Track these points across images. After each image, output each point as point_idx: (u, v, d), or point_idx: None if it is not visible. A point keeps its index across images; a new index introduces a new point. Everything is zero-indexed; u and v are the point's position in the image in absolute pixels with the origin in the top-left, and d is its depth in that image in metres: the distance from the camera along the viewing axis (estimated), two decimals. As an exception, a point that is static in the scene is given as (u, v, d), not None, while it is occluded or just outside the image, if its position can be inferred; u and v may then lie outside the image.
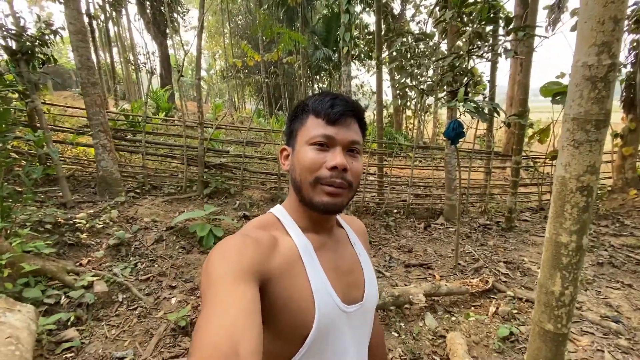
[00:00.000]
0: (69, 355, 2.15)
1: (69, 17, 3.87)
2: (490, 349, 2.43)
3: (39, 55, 4.13)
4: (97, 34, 14.98)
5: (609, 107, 1.15)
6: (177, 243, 3.55)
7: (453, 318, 2.86)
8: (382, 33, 7.75)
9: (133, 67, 16.77)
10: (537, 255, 4.11)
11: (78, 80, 4.32)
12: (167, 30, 15.61)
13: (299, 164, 0.61)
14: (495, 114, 2.60)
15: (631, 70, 5.32)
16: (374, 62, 15.52)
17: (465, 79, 2.39)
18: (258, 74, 18.36)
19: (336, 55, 15.55)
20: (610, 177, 6.19)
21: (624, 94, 5.50)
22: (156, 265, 3.20)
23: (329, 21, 14.75)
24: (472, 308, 3.02)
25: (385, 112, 17.28)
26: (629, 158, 5.66)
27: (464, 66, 2.65)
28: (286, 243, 0.59)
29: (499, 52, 2.77)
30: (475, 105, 2.24)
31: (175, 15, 17.08)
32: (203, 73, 38.55)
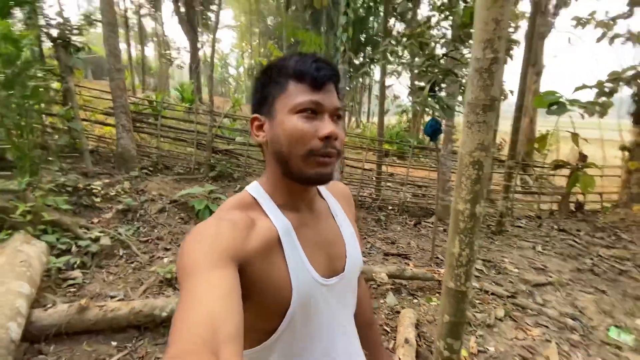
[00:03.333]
0: (72, 289, 2.57)
1: (102, 9, 4.40)
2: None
3: (75, 43, 4.71)
4: (135, 28, 16.11)
5: (494, 94, 1.38)
6: (177, 214, 3.97)
7: (415, 300, 3.06)
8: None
9: (165, 60, 17.78)
10: (519, 258, 4.20)
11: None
12: (200, 28, 16.47)
13: (287, 136, 0.56)
14: (456, 112, 2.78)
15: (641, 83, 5.24)
16: (396, 66, 15.63)
17: (437, 78, 2.59)
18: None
19: (360, 58, 15.83)
20: (616, 193, 6.07)
21: (633, 108, 5.42)
22: (156, 231, 3.61)
23: (353, 25, 15.00)
24: (437, 295, 3.20)
25: (405, 117, 17.34)
26: (635, 172, 5.54)
27: (444, 68, 2.86)
28: (263, 224, 0.57)
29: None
30: (438, 102, 2.44)
31: (208, 13, 17.98)
32: (232, 70, 39.97)
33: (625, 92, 5.77)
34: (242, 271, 0.50)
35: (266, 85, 0.60)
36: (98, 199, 3.78)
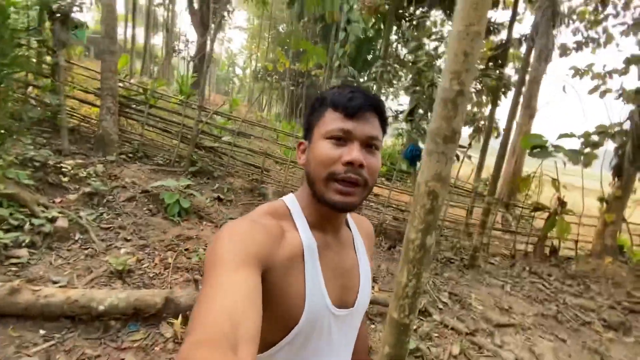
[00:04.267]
0: (14, 268, 2.44)
1: (103, -10, 4.37)
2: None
3: (74, 19, 4.65)
4: (150, 18, 16.14)
5: (456, 126, 1.36)
6: (146, 205, 3.85)
7: (372, 326, 2.98)
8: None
9: (170, 50, 17.78)
10: (487, 295, 4.16)
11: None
12: (211, 25, 16.55)
13: (314, 158, 0.60)
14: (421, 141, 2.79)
15: (624, 138, 5.37)
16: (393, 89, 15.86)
17: (419, 104, 2.61)
18: (287, 81, 19.08)
19: (365, 76, 16.04)
20: (591, 242, 6.13)
21: (615, 161, 5.54)
22: (120, 219, 3.49)
23: (360, 43, 15.25)
24: (397, 322, 3.13)
25: (400, 140, 17.51)
26: (610, 225, 5.62)
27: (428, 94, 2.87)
28: (292, 237, 0.59)
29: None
30: (415, 128, 2.45)
31: (222, 12, 18.12)
32: (238, 71, 40.18)
33: (610, 146, 5.92)
34: (263, 278, 0.51)
35: (311, 114, 0.65)
36: (66, 179, 3.65)
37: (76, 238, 3.00)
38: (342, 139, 0.59)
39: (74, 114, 5.50)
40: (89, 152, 4.68)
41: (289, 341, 0.58)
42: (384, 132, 0.66)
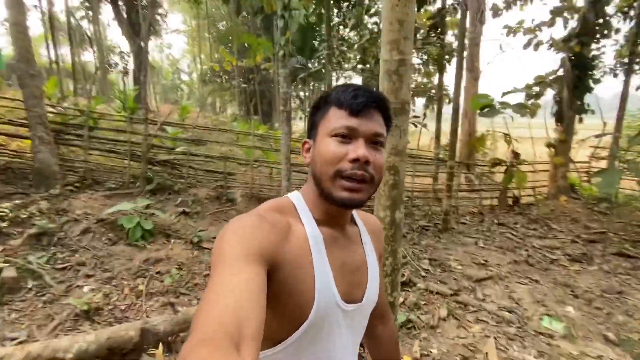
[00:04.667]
0: (-43, 335, 2.16)
1: (8, 8, 3.89)
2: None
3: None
4: (72, 33, 14.79)
5: (404, 97, 1.34)
6: (104, 235, 3.57)
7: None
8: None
9: (105, 66, 16.54)
10: (463, 254, 4.35)
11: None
12: (142, 32, 15.54)
13: (320, 156, 0.60)
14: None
15: (561, 86, 5.76)
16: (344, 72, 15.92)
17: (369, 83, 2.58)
18: (236, 79, 18.48)
19: (315, 63, 15.89)
20: (546, 186, 6.60)
21: (555, 108, 5.94)
22: (77, 255, 3.20)
23: (305, 31, 15.03)
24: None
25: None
26: (560, 167, 6.07)
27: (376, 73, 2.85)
28: (299, 232, 0.59)
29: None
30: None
31: (155, 17, 17.03)
32: (185, 77, 38.38)
33: (550, 95, 6.33)
34: (270, 274, 0.51)
35: (315, 112, 0.65)
36: (5, 224, 3.28)
37: (29, 286, 2.72)
38: (347, 136, 0.59)
39: (3, 151, 4.95)
40: (28, 189, 4.24)
41: (298, 337, 0.57)
42: (388, 128, 0.65)
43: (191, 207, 4.63)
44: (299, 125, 23.74)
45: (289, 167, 3.59)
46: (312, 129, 0.66)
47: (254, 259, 0.47)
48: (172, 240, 3.80)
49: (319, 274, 0.58)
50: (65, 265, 3.04)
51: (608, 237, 4.68)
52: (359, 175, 0.58)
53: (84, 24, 18.23)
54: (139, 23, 14.89)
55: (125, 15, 15.12)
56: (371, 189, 0.61)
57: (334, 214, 0.64)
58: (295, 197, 0.66)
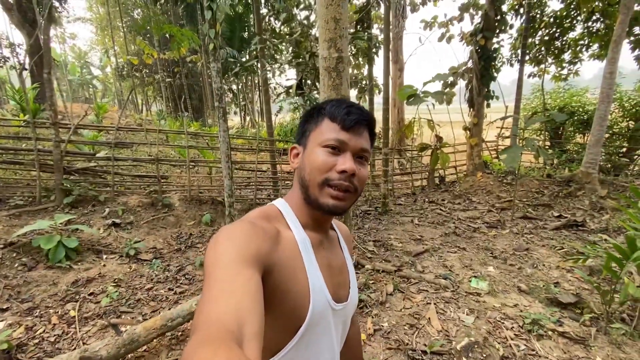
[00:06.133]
0: None
1: None
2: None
3: None
4: None
5: (344, 93, 1.42)
6: (16, 261, 3.08)
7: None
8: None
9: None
10: (402, 233, 4.74)
11: None
12: (39, 19, 13.27)
13: (310, 164, 0.63)
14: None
15: (471, 75, 6.51)
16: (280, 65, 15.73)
17: (304, 75, 2.62)
18: (160, 73, 16.96)
19: (246, 55, 15.34)
20: (465, 164, 7.48)
21: (468, 95, 6.70)
22: (-17, 289, 2.72)
23: (232, 21, 14.40)
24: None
25: (298, 114, 17.70)
26: (475, 147, 6.91)
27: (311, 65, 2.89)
28: (288, 237, 0.61)
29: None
30: (307, 101, 2.49)
31: (52, 2, 14.60)
32: (97, 71, 33.94)
33: (463, 83, 7.11)
34: (264, 279, 0.51)
35: (307, 121, 0.68)
36: None
37: None
38: (337, 148, 0.63)
39: None
40: None
41: (297, 342, 0.58)
42: (373, 145, 0.69)
43: (122, 218, 4.22)
44: (234, 120, 22.88)
45: (230, 165, 3.48)
46: (302, 136, 0.68)
47: (249, 263, 0.48)
48: (104, 256, 3.44)
49: (311, 275, 0.60)
50: (-32, 302, 2.57)
51: (515, 204, 5.51)
52: (345, 186, 0.62)
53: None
54: (33, 9, 12.65)
55: (12, 1, 12.74)
56: (354, 198, 0.65)
57: (319, 219, 0.68)
58: (281, 204, 0.68)
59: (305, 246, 0.63)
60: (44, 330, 2.40)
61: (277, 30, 10.72)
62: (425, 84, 4.23)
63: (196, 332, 0.38)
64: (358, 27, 5.24)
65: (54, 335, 2.36)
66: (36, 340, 2.29)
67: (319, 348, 0.63)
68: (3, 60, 14.46)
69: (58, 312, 2.59)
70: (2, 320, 2.48)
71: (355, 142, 0.63)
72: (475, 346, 2.32)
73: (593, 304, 2.88)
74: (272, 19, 8.37)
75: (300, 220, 0.66)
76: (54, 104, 4.10)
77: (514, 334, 2.52)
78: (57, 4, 14.89)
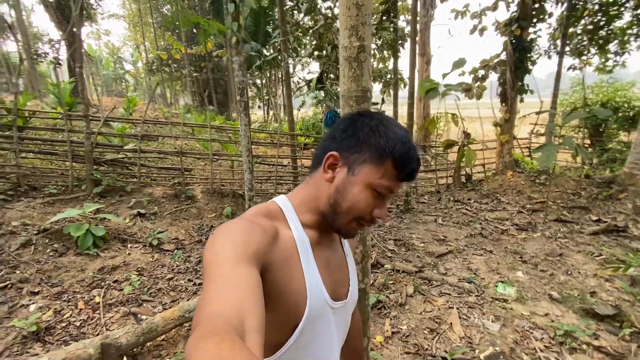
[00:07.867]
0: None
1: None
2: (355, 317, 2.65)
3: None
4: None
5: (365, 85, 1.33)
6: (48, 246, 3.24)
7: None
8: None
9: (32, 56, 14.69)
10: (425, 232, 4.58)
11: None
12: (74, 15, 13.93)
13: (352, 199, 0.61)
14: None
15: (504, 68, 6.15)
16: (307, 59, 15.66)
17: (325, 68, 2.55)
18: (187, 68, 17.40)
19: (270, 49, 15.38)
20: (494, 162, 7.12)
21: (500, 89, 6.35)
22: (18, 272, 2.88)
23: (257, 15, 14.46)
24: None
25: (320, 108, 17.57)
26: (505, 144, 6.55)
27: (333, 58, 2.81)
28: (286, 235, 0.61)
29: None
30: (327, 94, 2.41)
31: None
32: (129, 66, 35.35)
33: (495, 76, 6.75)
34: (262, 277, 0.51)
35: (366, 141, 0.62)
36: None
37: (-40, 312, 2.40)
38: (383, 194, 0.62)
39: None
40: (-52, 203, 3.70)
41: (293, 342, 0.59)
42: None
43: (147, 208, 4.35)
44: (258, 114, 23.12)
45: (251, 159, 3.48)
46: (352, 152, 0.63)
47: (248, 260, 0.48)
48: (130, 245, 3.55)
49: (308, 275, 0.60)
50: (5, 284, 2.73)
51: (548, 206, 5.18)
52: (370, 225, 0.64)
53: (4, 8, 15.94)
54: (69, 6, 13.30)
55: (52, -1, 13.43)
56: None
57: (324, 225, 0.67)
58: (282, 201, 0.67)
59: (304, 246, 0.62)
60: (70, 315, 2.50)
61: (300, 22, 10.63)
62: (444, 75, 4.02)
63: (198, 326, 0.37)
64: (384, 18, 5.07)
65: (80, 320, 2.46)
66: (63, 324, 2.39)
67: (318, 345, 0.63)
68: (44, 55, 15.35)
69: (84, 297, 2.69)
70: (33, 303, 2.61)
71: (398, 190, 0.64)
72: (501, 357, 2.18)
73: (634, 317, 2.63)
74: (295, 11, 8.30)
75: (300, 219, 0.65)
76: (85, 97, 4.25)
77: (544, 346, 2.35)
78: (92, 1, 15.55)
